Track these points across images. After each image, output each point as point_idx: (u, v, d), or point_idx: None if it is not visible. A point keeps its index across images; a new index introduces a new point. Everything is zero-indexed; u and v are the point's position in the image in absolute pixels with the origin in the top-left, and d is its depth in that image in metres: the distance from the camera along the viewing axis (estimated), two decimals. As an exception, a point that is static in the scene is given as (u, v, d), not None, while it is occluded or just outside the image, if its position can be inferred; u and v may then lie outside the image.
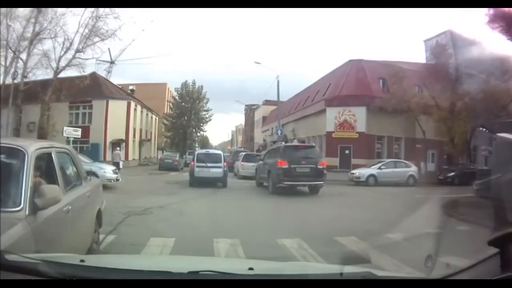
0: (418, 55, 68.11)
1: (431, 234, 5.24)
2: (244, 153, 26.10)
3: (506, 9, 16.47)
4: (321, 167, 14.19)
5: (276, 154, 15.13)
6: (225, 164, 16.93)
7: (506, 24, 17.87)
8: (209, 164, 16.32)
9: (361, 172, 20.80)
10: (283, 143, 21.07)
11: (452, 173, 21.86)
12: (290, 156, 14.23)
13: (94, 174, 13.37)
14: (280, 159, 14.12)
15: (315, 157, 14.63)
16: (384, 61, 30.17)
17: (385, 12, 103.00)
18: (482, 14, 18.51)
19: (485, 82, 23.33)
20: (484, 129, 22.66)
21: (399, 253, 4.96)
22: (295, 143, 21.11)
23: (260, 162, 17.74)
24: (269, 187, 14.64)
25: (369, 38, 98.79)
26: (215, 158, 16.81)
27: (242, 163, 22.69)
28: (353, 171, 21.50)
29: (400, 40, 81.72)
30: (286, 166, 13.68)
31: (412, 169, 21.65)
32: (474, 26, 25.16)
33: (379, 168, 20.85)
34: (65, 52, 24.13)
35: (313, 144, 19.93)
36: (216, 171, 16.22)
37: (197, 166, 16.33)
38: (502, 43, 19.72)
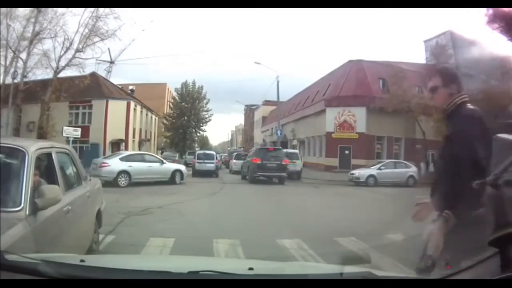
0: (418, 56, 68.14)
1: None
2: (235, 153, 32.44)
3: (506, 9, 16.51)
4: (284, 163, 19.43)
5: (254, 154, 20.74)
6: (217, 161, 24.40)
7: (506, 25, 17.91)
8: (206, 161, 23.30)
9: (361, 173, 20.80)
10: (259, 146, 27.77)
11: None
12: (263, 155, 19.51)
13: (180, 172, 17.29)
14: (255, 157, 19.52)
15: (281, 156, 19.76)
16: (384, 62, 30.17)
17: (385, 12, 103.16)
18: (482, 14, 18.60)
19: (485, 83, 23.33)
20: (483, 130, 22.67)
21: (399, 253, 4.96)
22: (269, 145, 27.55)
23: (245, 160, 23.06)
24: (248, 178, 19.68)
25: (369, 38, 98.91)
26: (210, 157, 24.11)
27: (234, 161, 28.13)
28: (352, 172, 21.49)
29: (400, 40, 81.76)
30: (259, 162, 18.92)
31: (412, 169, 21.64)
32: (474, 27, 25.27)
33: (379, 168, 20.84)
34: (65, 52, 24.11)
35: (280, 147, 23.74)
36: (210, 165, 23.21)
37: (197, 162, 23.26)
38: (502, 43, 19.79)
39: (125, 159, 16.10)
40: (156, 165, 16.76)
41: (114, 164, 15.56)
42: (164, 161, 17.82)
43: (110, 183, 14.49)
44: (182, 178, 17.24)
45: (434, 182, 2.47)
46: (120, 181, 15.24)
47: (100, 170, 15.08)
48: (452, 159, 2.16)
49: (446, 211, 2.04)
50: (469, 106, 2.26)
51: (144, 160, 16.81)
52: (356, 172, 21.08)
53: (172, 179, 16.76)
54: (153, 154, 20.37)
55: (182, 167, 18.06)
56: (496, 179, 4.79)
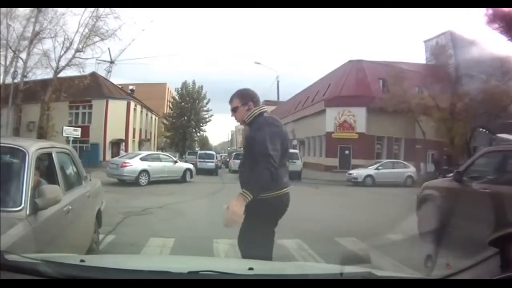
0: (418, 56, 68.11)
1: (431, 235, 5.22)
2: (234, 153, 34.36)
3: (506, 9, 16.52)
4: None
5: None
6: (216, 160, 27.51)
7: (506, 25, 17.93)
8: (206, 160, 26.42)
9: (359, 173, 20.81)
10: None
11: (452, 174, 21.81)
12: None
13: (190, 171, 18.36)
14: None
15: None
16: (384, 62, 30.18)
17: (385, 12, 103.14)
18: (482, 14, 18.61)
19: (485, 83, 23.32)
20: (484, 130, 22.67)
21: (399, 253, 4.96)
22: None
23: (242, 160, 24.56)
24: None
25: (369, 38, 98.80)
26: (210, 156, 27.40)
27: (233, 160, 29.52)
28: (350, 172, 21.51)
29: (400, 40, 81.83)
30: None
31: (410, 169, 21.64)
32: (474, 27, 25.30)
33: (377, 168, 20.84)
34: (65, 52, 24.18)
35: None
36: (211, 164, 26.25)
37: (199, 161, 25.95)
38: (502, 43, 19.79)
39: (144, 158, 16.66)
40: (170, 165, 17.65)
41: (136, 163, 15.93)
42: (177, 160, 18.84)
43: (123, 181, 15.17)
44: (191, 176, 18.33)
45: (239, 173, 3.13)
46: (141, 180, 15.60)
47: (122, 169, 15.50)
48: (250, 154, 2.81)
49: (243, 190, 2.60)
50: (265, 115, 2.94)
51: (160, 160, 17.76)
52: (354, 172, 21.08)
53: (183, 177, 17.72)
54: (167, 154, 21.48)
55: (191, 166, 19.24)
56: (460, 175, 5.60)
